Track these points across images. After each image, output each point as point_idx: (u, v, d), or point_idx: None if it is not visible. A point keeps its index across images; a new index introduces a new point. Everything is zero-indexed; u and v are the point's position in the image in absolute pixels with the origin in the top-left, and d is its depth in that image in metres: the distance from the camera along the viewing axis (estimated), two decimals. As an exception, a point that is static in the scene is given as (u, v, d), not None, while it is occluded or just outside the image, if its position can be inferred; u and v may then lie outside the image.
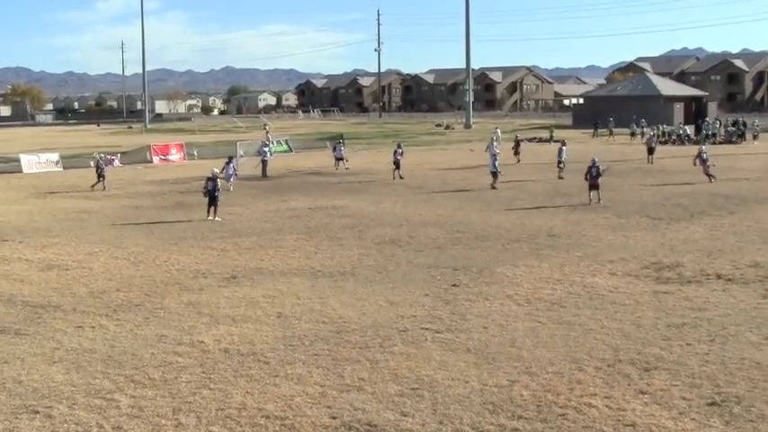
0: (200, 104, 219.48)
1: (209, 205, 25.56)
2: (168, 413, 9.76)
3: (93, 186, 34.80)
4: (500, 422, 9.31)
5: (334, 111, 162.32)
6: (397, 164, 37.15)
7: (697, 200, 27.82)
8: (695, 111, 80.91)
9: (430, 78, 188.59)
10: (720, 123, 65.17)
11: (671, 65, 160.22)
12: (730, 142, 58.68)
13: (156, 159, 51.03)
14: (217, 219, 25.22)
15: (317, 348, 12.15)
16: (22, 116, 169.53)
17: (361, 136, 76.97)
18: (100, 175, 35.20)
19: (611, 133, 67.16)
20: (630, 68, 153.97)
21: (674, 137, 60.26)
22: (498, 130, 61.63)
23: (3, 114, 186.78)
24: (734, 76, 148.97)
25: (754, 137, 59.54)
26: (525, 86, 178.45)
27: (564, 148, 36.59)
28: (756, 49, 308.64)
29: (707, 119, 67.88)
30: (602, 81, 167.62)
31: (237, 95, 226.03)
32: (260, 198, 31.13)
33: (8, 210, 29.11)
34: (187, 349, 12.25)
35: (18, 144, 69.87)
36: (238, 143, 49.57)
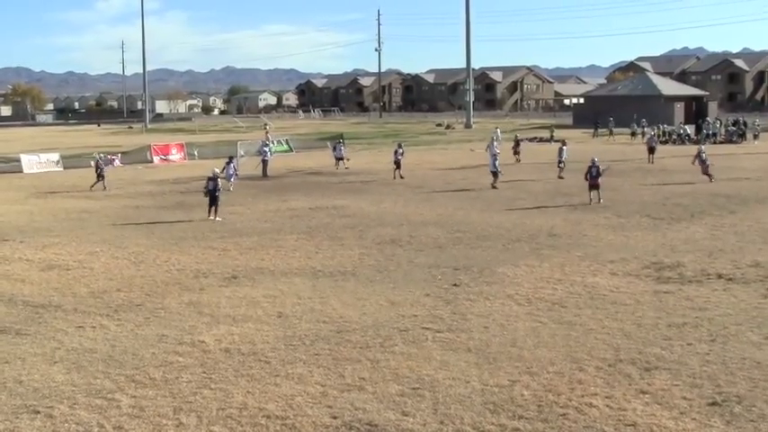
0: (200, 104, 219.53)
1: (210, 205, 25.57)
2: (169, 413, 9.76)
3: (92, 187, 34.81)
4: (501, 422, 9.31)
5: (334, 111, 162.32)
6: (397, 163, 37.17)
7: (698, 200, 27.82)
8: (696, 110, 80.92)
9: (430, 78, 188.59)
10: (721, 123, 65.14)
11: (671, 64, 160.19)
12: (731, 142, 58.67)
13: (156, 159, 51.04)
14: (217, 219, 25.23)
15: (318, 348, 12.15)
16: (22, 116, 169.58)
17: (361, 136, 76.97)
18: (99, 176, 35.22)
19: (611, 133, 67.15)
20: (631, 68, 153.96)
21: (674, 137, 60.26)
22: (498, 129, 61.59)
23: (3, 114, 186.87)
24: (734, 76, 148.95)
25: (755, 136, 59.52)
26: (526, 86, 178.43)
27: (564, 147, 36.57)
28: (757, 48, 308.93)
29: (707, 118, 67.86)
30: (603, 81, 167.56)
31: (238, 95, 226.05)
32: (260, 198, 31.14)
33: (9, 210, 29.11)
34: (188, 349, 12.25)
35: (19, 144, 69.90)
36: (239, 143, 49.60)
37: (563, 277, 16.54)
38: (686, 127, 62.55)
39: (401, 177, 36.39)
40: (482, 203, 28.20)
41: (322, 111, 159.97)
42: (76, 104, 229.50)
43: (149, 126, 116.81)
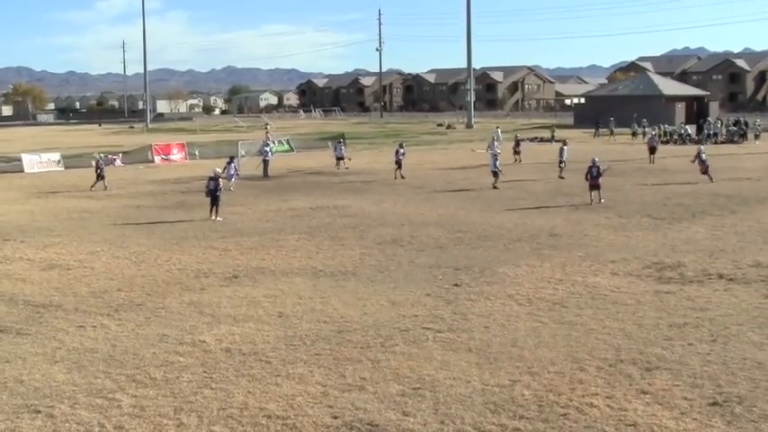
0: (201, 104, 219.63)
1: (212, 205, 25.57)
2: (170, 413, 9.76)
3: (92, 187, 34.83)
4: (502, 422, 9.30)
5: (335, 110, 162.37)
6: (399, 163, 37.18)
7: (698, 200, 27.81)
8: (697, 110, 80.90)
9: (431, 78, 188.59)
10: (722, 123, 65.11)
11: (672, 64, 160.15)
12: (732, 142, 58.64)
13: (157, 159, 51.04)
14: (218, 218, 25.24)
15: (319, 348, 12.15)
16: (23, 116, 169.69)
17: (362, 136, 76.97)
18: (99, 176, 35.24)
19: (611, 133, 67.17)
20: (632, 68, 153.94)
21: (675, 137, 60.24)
22: (499, 129, 61.60)
23: (4, 114, 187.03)
24: (735, 76, 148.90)
25: (756, 136, 59.47)
26: (527, 86, 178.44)
27: (565, 147, 36.58)
28: (758, 48, 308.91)
29: (708, 118, 67.82)
30: (604, 81, 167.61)
31: (239, 95, 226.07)
32: (261, 198, 31.14)
33: (10, 209, 29.13)
34: (189, 349, 12.25)
35: (20, 144, 69.93)
36: (240, 143, 49.60)
37: (564, 277, 16.54)
38: (687, 127, 62.52)
39: (402, 177, 36.39)
40: (483, 203, 28.20)
41: (323, 111, 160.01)
42: (77, 104, 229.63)
43: (150, 126, 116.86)
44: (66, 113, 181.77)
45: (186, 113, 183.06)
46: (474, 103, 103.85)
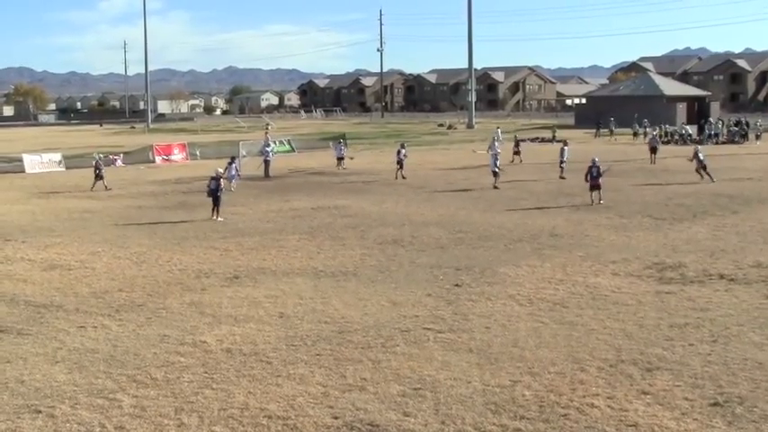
0: (202, 104, 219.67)
1: (213, 205, 25.58)
2: (170, 413, 9.77)
3: (92, 187, 34.87)
4: (502, 422, 9.30)
5: (336, 111, 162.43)
6: (400, 164, 37.20)
7: (700, 200, 27.80)
8: (698, 111, 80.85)
9: (432, 78, 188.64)
10: (723, 123, 65.08)
11: (673, 65, 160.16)
12: (733, 142, 58.62)
13: (158, 159, 51.05)
14: (219, 219, 25.24)
15: (320, 348, 12.16)
16: (24, 116, 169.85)
17: (363, 136, 76.98)
18: (98, 176, 35.26)
19: (611, 133, 67.19)
20: (633, 68, 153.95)
21: (676, 137, 60.23)
22: (499, 129, 61.65)
23: (6, 114, 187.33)
24: (737, 76, 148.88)
25: (757, 137, 59.44)
26: (528, 86, 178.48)
27: (566, 148, 36.60)
28: (759, 49, 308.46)
29: (710, 119, 67.81)
30: (605, 81, 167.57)
31: (240, 95, 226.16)
32: (262, 198, 31.15)
33: (11, 209, 29.14)
34: (189, 349, 12.25)
35: (21, 144, 69.97)
36: (241, 143, 49.59)
37: (565, 277, 16.54)
38: (687, 127, 62.50)
39: (403, 177, 36.40)
40: (484, 204, 28.20)
41: (324, 111, 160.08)
42: (79, 104, 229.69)
43: (151, 126, 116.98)
44: (67, 114, 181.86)
45: (187, 114, 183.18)
46: (475, 103, 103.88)
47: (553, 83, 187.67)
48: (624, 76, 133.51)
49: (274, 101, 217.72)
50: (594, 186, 27.47)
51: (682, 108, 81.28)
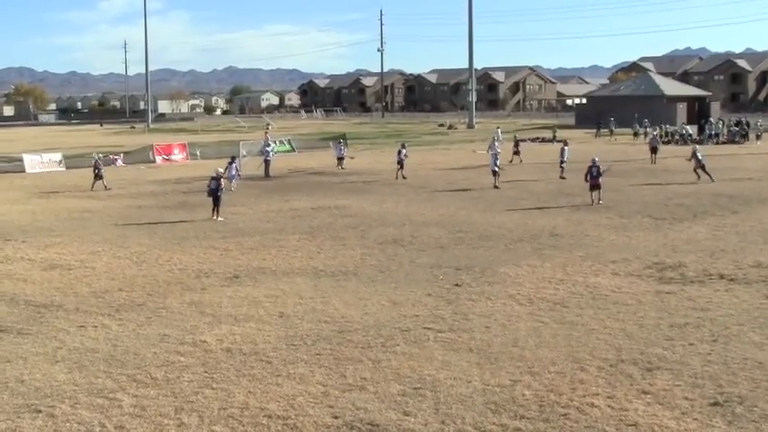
0: (202, 104, 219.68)
1: (213, 205, 25.58)
2: (170, 412, 9.77)
3: (92, 187, 34.92)
4: (502, 422, 9.30)
5: (336, 111, 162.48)
6: (401, 163, 37.21)
7: (700, 200, 27.79)
8: (698, 111, 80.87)
9: (433, 78, 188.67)
10: (723, 123, 65.07)
11: (674, 65, 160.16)
12: (733, 142, 58.62)
13: (158, 159, 51.07)
14: (219, 218, 25.25)
15: (320, 348, 12.15)
16: (25, 116, 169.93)
17: (363, 136, 76.99)
18: (97, 176, 35.30)
19: (611, 133, 67.21)
20: (633, 68, 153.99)
21: (676, 137, 60.23)
22: (499, 129, 61.71)
23: (6, 114, 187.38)
24: (737, 76, 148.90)
25: (758, 137, 59.44)
26: (528, 86, 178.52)
27: (566, 148, 36.60)
28: (759, 49, 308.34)
29: (710, 119, 67.81)
30: (605, 81, 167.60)
31: (240, 95, 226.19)
32: (262, 198, 31.15)
33: (11, 209, 29.15)
34: (189, 349, 12.25)
35: (21, 144, 70.00)
36: (241, 143, 49.63)
37: (565, 277, 16.53)
38: (688, 127, 62.48)
39: (404, 177, 36.40)
40: (484, 203, 28.20)
41: (324, 111, 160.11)
42: (79, 104, 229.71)
43: (152, 126, 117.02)
44: (67, 114, 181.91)
45: (188, 114, 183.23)
46: (475, 103, 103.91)
47: (553, 83, 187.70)
48: (625, 76, 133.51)
49: (275, 101, 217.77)
50: (594, 186, 27.45)
51: (682, 108, 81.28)
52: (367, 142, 67.28)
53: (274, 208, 28.14)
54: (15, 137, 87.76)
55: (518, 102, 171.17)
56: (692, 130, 62.01)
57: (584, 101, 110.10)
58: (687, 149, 45.42)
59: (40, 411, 9.85)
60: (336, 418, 9.51)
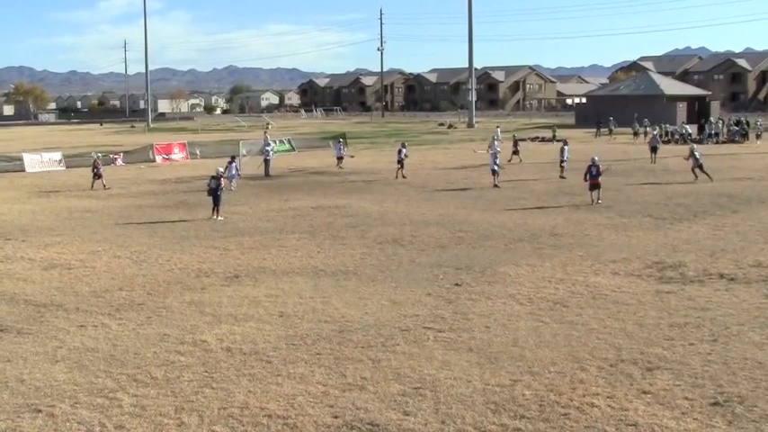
0: (202, 104, 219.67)
1: (214, 204, 25.58)
2: (170, 412, 9.76)
3: (92, 186, 34.97)
4: (502, 422, 9.30)
5: (336, 110, 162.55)
6: (401, 163, 37.21)
7: (700, 199, 27.79)
8: (698, 110, 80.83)
9: (432, 78, 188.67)
10: (723, 123, 65.04)
11: (674, 64, 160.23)
12: (733, 142, 58.63)
13: (158, 158, 51.06)
14: (219, 218, 25.24)
15: (320, 347, 12.15)
16: (25, 115, 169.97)
17: (363, 135, 77.01)
18: (96, 175, 35.33)
19: (610, 132, 67.19)
20: (633, 68, 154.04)
21: (676, 136, 60.21)
22: (499, 129, 61.74)
23: (6, 113, 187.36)
24: (737, 76, 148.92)
25: (758, 136, 59.40)
26: (528, 86, 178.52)
27: (566, 147, 36.60)
28: (759, 48, 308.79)
29: (710, 118, 67.79)
30: (605, 80, 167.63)
31: (240, 95, 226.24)
32: (262, 197, 31.14)
33: (11, 209, 29.15)
34: (189, 348, 12.25)
35: (21, 143, 70.01)
36: (241, 142, 49.63)
37: (565, 277, 16.53)
38: (688, 127, 62.45)
39: (404, 177, 36.40)
40: (484, 203, 28.20)
41: (324, 110, 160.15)
42: (79, 104, 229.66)
43: (152, 125, 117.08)
44: (67, 113, 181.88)
45: (188, 113, 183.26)
46: (475, 102, 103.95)
47: (553, 82, 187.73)
48: (624, 76, 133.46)
49: (275, 100, 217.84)
50: (594, 186, 27.45)
51: (682, 107, 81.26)
52: (367, 141, 67.30)
53: (274, 207, 28.13)
54: (15, 136, 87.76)
55: (518, 101, 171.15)
56: (691, 129, 61.99)
57: (583, 100, 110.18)
58: (687, 149, 45.45)
59: (40, 411, 9.85)
60: (336, 417, 9.50)
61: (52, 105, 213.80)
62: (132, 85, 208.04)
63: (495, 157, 33.75)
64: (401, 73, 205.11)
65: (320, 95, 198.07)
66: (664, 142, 53.20)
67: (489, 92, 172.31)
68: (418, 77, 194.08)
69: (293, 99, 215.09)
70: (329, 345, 12.27)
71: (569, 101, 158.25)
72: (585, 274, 16.71)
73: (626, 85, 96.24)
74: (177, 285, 16.50)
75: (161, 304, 14.98)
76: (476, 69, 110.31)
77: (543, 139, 64.23)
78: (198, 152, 54.28)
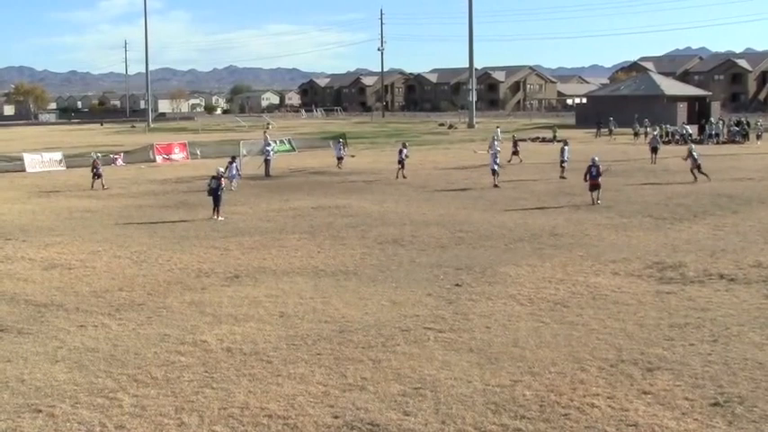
0: (203, 104, 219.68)
1: (214, 204, 25.58)
2: (171, 412, 9.76)
3: (92, 186, 34.99)
4: (503, 422, 9.30)
5: (337, 110, 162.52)
6: (401, 163, 37.21)
7: (700, 200, 27.79)
8: (698, 110, 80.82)
9: (433, 78, 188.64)
10: (724, 123, 65.04)
11: (674, 64, 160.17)
12: (734, 142, 58.63)
13: (159, 158, 51.06)
14: (220, 218, 25.24)
15: (320, 348, 12.15)
16: (25, 115, 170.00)
17: (364, 135, 77.02)
18: (96, 175, 35.35)
19: (610, 132, 67.16)
20: (634, 68, 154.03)
21: (677, 137, 60.21)
22: (499, 129, 61.76)
23: (6, 113, 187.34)
24: (737, 76, 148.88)
25: (758, 137, 59.38)
26: (528, 86, 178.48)
27: (566, 147, 36.61)
28: (760, 48, 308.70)
29: (710, 119, 67.80)
30: (606, 81, 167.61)
31: (240, 95, 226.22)
32: (263, 197, 31.15)
33: (11, 209, 29.15)
34: (190, 348, 12.25)
35: (21, 143, 70.02)
36: (242, 142, 49.63)
37: (565, 277, 16.53)
38: (688, 127, 62.44)
39: (404, 177, 36.40)
40: (484, 203, 28.20)
41: (325, 110, 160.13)
42: (79, 104, 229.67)
43: (152, 125, 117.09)
44: (67, 113, 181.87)
45: (188, 113, 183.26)
46: (476, 102, 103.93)
47: (554, 82, 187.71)
48: (625, 76, 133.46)
49: (275, 100, 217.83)
50: (594, 186, 27.44)
51: (682, 108, 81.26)
52: (367, 142, 67.32)
53: (275, 207, 28.14)
54: (15, 136, 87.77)
55: (518, 101, 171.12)
56: (692, 129, 61.97)
57: (584, 100, 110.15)
58: (685, 149, 45.45)
59: (40, 411, 9.85)
60: (337, 417, 9.50)
61: (52, 105, 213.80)
62: (132, 85, 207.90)
63: (496, 157, 33.81)
64: (401, 73, 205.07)
65: (320, 95, 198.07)
66: (664, 143, 53.17)
67: (490, 92, 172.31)
68: (418, 77, 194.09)
69: (293, 99, 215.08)
70: (329, 345, 12.27)
71: (570, 101, 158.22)
72: (586, 275, 16.71)
73: (626, 86, 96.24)
74: (177, 285, 16.50)
75: (161, 304, 14.98)
76: (476, 69, 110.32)
77: (544, 140, 64.23)
78: (198, 152, 54.28)
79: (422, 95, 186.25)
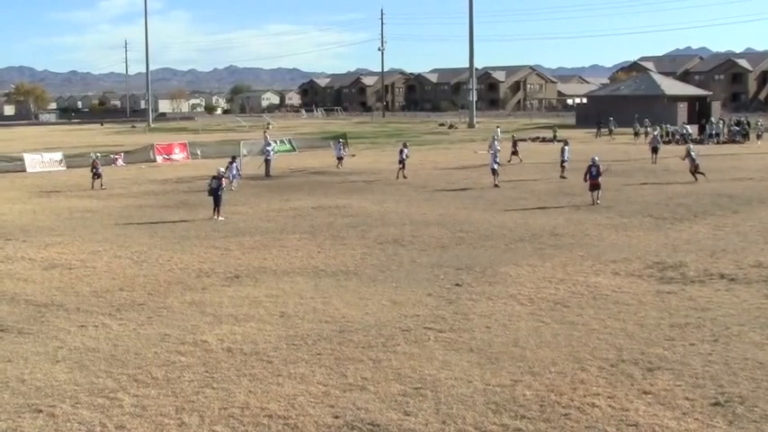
0: (203, 104, 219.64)
1: (215, 204, 25.58)
2: (171, 412, 9.77)
3: (92, 186, 35.01)
4: (503, 422, 9.30)
5: (337, 110, 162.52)
6: (402, 163, 37.22)
7: (700, 199, 27.78)
8: (699, 110, 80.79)
9: (433, 78, 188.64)
10: (724, 123, 65.03)
11: (674, 64, 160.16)
12: (734, 142, 58.62)
13: (159, 158, 51.07)
14: (220, 218, 25.25)
15: (320, 348, 12.15)
16: (25, 115, 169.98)
17: (364, 135, 77.02)
18: (95, 175, 35.38)
19: (610, 132, 67.14)
20: (634, 68, 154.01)
21: (677, 137, 60.20)
22: (498, 129, 61.78)
23: (6, 113, 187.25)
24: (738, 76, 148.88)
25: (758, 136, 59.41)
26: (529, 86, 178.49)
27: (566, 147, 36.61)
28: (760, 48, 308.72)
29: (711, 118, 67.77)
30: (606, 81, 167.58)
31: (241, 95, 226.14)
32: (263, 197, 31.15)
33: (12, 209, 29.15)
34: (190, 348, 12.25)
35: (22, 143, 70.02)
36: (242, 142, 49.63)
37: (565, 277, 16.53)
38: (688, 127, 62.44)
39: (404, 177, 36.40)
40: (484, 203, 28.20)
41: (325, 110, 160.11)
42: (79, 104, 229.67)
43: (152, 125, 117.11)
44: (68, 113, 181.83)
45: (188, 113, 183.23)
46: (476, 102, 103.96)
47: (554, 82, 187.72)
48: (625, 76, 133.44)
49: (275, 100, 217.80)
50: (594, 186, 27.43)
51: (683, 108, 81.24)
52: (368, 142, 67.32)
53: (275, 207, 28.14)
54: (16, 136, 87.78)
55: (519, 101, 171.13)
56: (692, 129, 61.96)
57: (584, 100, 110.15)
58: (683, 149, 45.46)
59: (40, 411, 9.85)
60: (337, 417, 9.51)
61: (53, 105, 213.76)
62: (133, 85, 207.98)
63: (496, 157, 33.83)
64: (402, 73, 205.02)
65: (321, 95, 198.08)
66: (664, 142, 53.15)
67: (490, 92, 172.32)
68: (419, 77, 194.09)
69: (294, 99, 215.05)
70: (330, 345, 12.27)
71: (570, 101, 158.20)
72: (586, 275, 16.71)
73: (626, 86, 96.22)
74: (178, 285, 16.50)
75: (162, 304, 14.98)
76: (476, 69, 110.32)
77: (544, 140, 64.22)
78: (199, 152, 54.29)
79: (422, 95, 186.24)
